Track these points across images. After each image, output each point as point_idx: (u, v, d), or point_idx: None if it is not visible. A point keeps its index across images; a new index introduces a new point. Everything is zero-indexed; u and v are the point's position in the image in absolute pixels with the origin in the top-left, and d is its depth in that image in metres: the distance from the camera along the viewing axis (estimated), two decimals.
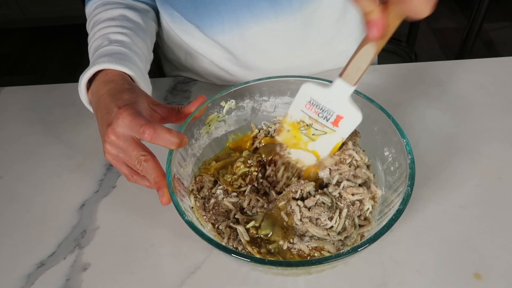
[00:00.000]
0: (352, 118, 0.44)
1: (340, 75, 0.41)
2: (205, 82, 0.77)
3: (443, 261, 0.47)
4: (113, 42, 0.57)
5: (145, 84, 0.56)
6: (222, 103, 0.53)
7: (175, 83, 0.76)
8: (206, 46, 0.70)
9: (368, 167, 0.49)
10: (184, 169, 0.50)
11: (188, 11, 0.64)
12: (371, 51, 0.37)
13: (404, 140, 0.44)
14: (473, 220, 0.51)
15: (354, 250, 0.37)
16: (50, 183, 0.60)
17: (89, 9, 0.67)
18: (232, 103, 0.54)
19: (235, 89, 0.53)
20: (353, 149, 0.48)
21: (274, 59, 0.71)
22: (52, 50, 2.41)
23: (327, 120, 0.45)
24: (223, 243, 0.43)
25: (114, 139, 0.45)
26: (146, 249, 0.51)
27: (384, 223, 0.39)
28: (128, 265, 0.50)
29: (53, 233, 0.54)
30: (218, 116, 0.54)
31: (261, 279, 0.47)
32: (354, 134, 0.52)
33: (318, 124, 0.46)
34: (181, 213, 0.41)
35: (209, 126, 0.54)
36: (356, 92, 0.49)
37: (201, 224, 0.45)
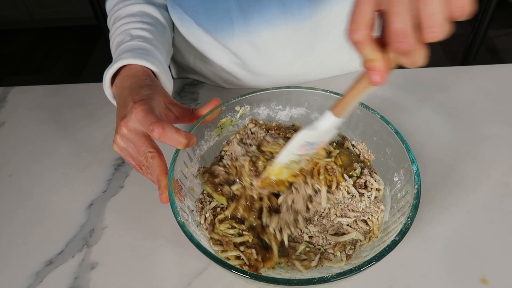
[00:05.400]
0: (330, 137, 0.44)
1: (332, 109, 0.40)
2: (212, 85, 0.78)
3: (449, 265, 0.48)
4: (135, 37, 0.58)
5: (167, 79, 0.57)
6: (237, 108, 0.53)
7: (183, 85, 0.77)
8: (215, 50, 0.71)
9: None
10: (189, 169, 0.50)
11: (200, 15, 0.65)
12: (366, 90, 0.36)
13: (414, 169, 0.43)
14: (480, 225, 0.51)
15: (340, 275, 0.36)
16: (59, 182, 0.61)
17: (109, 5, 0.68)
18: (247, 108, 0.54)
19: (251, 95, 0.52)
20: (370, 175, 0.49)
21: (282, 65, 0.71)
22: (58, 50, 2.43)
23: (313, 149, 0.44)
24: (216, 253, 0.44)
25: (125, 132, 0.47)
26: (154, 249, 0.51)
27: (376, 252, 0.38)
28: (135, 265, 0.50)
29: (62, 232, 0.54)
30: (231, 120, 0.54)
31: None
32: (366, 158, 0.52)
33: (304, 156, 0.45)
34: (175, 213, 0.41)
35: (221, 129, 0.54)
36: (373, 111, 0.49)
37: (199, 225, 0.46)
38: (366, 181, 0.48)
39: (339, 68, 0.75)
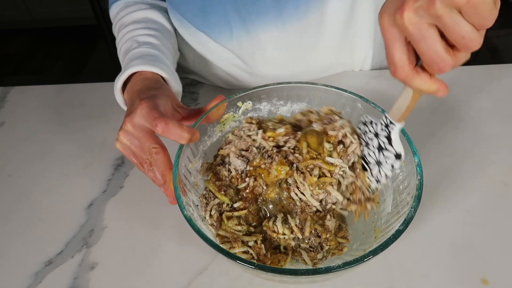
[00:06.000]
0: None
1: (396, 120, 0.41)
2: (212, 85, 0.78)
3: (450, 266, 0.48)
4: (142, 44, 0.59)
5: (176, 83, 0.58)
6: (239, 104, 0.54)
7: (183, 85, 0.76)
8: (214, 52, 0.71)
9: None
10: (193, 165, 0.50)
11: (197, 18, 0.65)
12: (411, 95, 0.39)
13: (416, 160, 0.43)
14: (480, 225, 0.51)
15: (346, 265, 0.36)
16: (58, 182, 0.61)
17: (112, 12, 0.68)
18: (248, 104, 0.54)
19: (253, 90, 0.53)
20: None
21: (281, 66, 0.71)
22: (58, 50, 2.43)
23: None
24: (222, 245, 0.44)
25: (130, 129, 0.47)
26: (154, 249, 0.51)
27: (381, 241, 0.38)
28: (135, 265, 0.50)
29: (61, 232, 0.54)
30: (234, 116, 0.54)
31: (267, 281, 0.47)
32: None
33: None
34: (181, 208, 0.41)
35: (224, 125, 0.54)
36: (374, 105, 0.49)
37: (204, 220, 0.47)
38: (341, 141, 0.46)
39: (339, 66, 0.75)
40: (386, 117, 0.41)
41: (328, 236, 0.45)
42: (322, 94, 0.53)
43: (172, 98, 0.52)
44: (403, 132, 0.46)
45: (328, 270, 0.36)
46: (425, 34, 0.30)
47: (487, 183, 0.56)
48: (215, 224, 0.46)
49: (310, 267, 0.44)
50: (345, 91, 0.51)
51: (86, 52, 2.36)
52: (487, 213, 0.52)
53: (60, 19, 2.50)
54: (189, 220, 0.40)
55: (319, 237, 0.45)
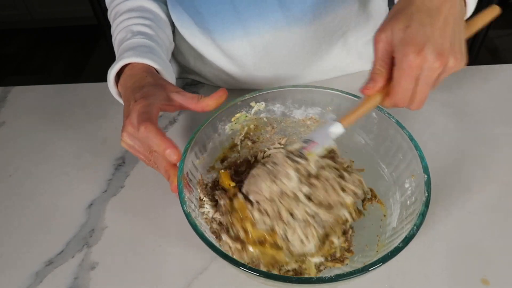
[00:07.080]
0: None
1: (340, 121, 0.45)
2: (213, 85, 0.78)
3: (450, 266, 0.48)
4: (136, 34, 0.59)
5: (169, 75, 0.58)
6: (252, 104, 0.53)
7: (183, 85, 0.77)
8: (215, 52, 0.70)
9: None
10: (201, 161, 0.50)
11: (200, 15, 0.65)
12: (370, 108, 0.44)
13: (425, 177, 0.43)
14: (481, 225, 0.51)
15: (339, 277, 0.36)
16: (59, 182, 0.61)
17: None
18: (261, 105, 0.53)
19: (268, 91, 0.52)
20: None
21: (283, 67, 0.71)
22: (58, 50, 2.43)
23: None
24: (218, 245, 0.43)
25: (131, 130, 0.48)
26: (154, 249, 0.51)
27: (379, 256, 0.38)
28: (135, 265, 0.50)
29: (62, 232, 0.54)
30: (246, 116, 0.54)
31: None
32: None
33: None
34: (182, 203, 0.41)
35: (235, 123, 0.54)
36: (389, 115, 0.49)
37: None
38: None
39: (341, 69, 0.75)
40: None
41: (333, 251, 0.45)
42: (337, 100, 0.52)
43: (165, 87, 0.51)
44: (415, 145, 0.46)
45: (320, 280, 0.36)
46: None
47: (488, 183, 0.56)
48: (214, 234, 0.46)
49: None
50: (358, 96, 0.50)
51: (86, 52, 2.35)
52: (488, 213, 0.52)
53: (60, 19, 2.50)
54: (188, 216, 0.40)
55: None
